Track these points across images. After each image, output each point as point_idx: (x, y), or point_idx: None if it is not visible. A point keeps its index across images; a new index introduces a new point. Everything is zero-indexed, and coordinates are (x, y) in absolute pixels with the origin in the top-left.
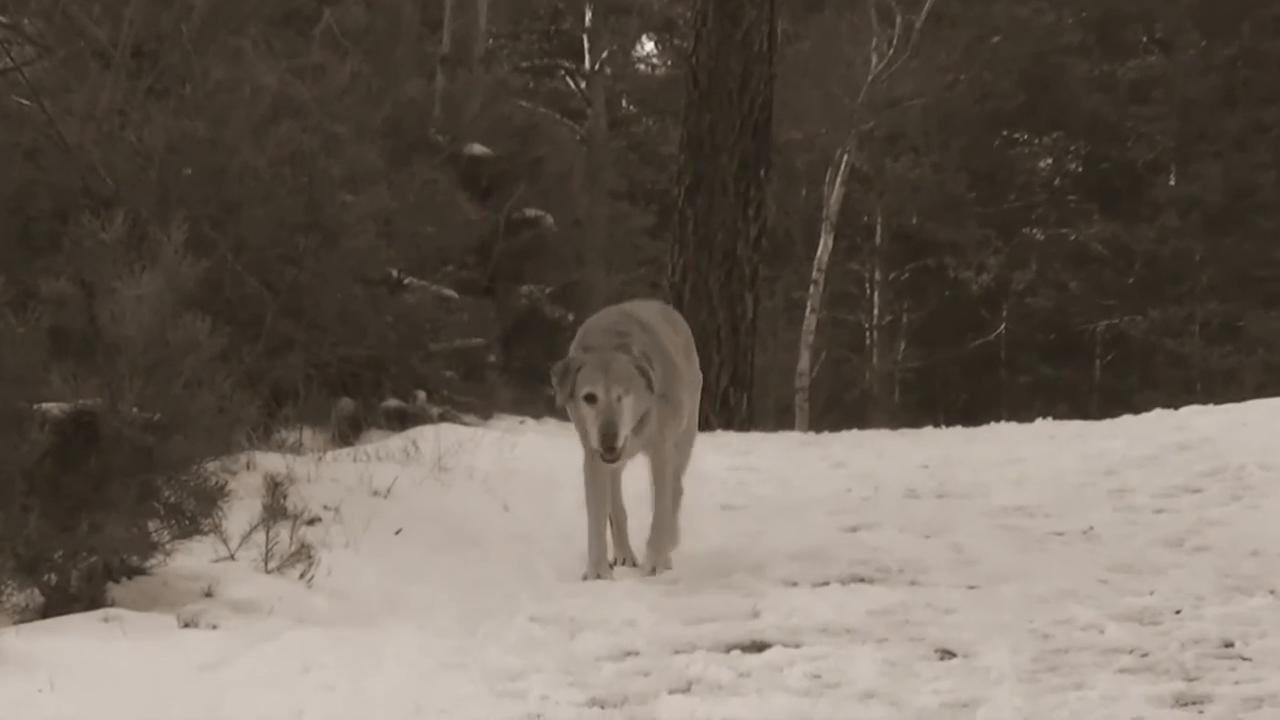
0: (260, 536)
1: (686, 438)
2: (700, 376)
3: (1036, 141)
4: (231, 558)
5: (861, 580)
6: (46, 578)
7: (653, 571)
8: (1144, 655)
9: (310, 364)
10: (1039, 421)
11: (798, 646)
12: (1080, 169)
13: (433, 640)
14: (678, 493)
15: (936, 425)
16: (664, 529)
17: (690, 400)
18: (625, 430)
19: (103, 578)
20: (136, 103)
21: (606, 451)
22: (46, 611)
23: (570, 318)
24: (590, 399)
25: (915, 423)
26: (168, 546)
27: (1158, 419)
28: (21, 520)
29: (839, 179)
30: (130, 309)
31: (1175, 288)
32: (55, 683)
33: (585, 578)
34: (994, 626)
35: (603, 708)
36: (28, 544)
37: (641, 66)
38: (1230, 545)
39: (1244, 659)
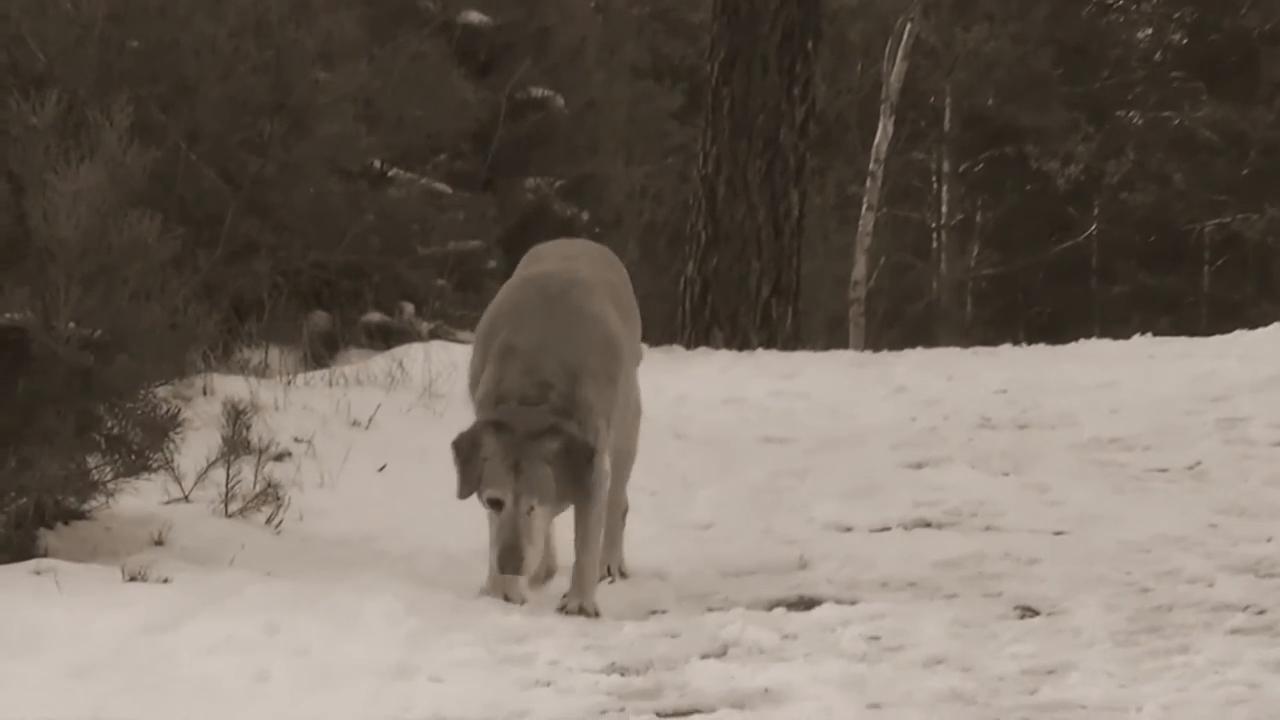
0: (219, 474)
1: (630, 424)
2: (641, 350)
3: (1134, 8)
4: (186, 499)
5: (927, 525)
6: None
7: (579, 611)
8: (1260, 613)
9: (278, 271)
10: (1137, 338)
11: (852, 603)
12: (1185, 41)
13: (422, 595)
14: (617, 508)
15: (1016, 343)
16: (588, 564)
17: (628, 379)
18: (534, 551)
19: (34, 523)
20: None
21: (503, 572)
22: None
23: (584, 216)
24: (494, 504)
25: (991, 340)
26: (110, 486)
27: (1277, 335)
28: None
29: (901, 53)
30: (66, 207)
31: None
32: None
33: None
34: (1084, 580)
35: (623, 674)
36: None
37: None
38: None
39: None
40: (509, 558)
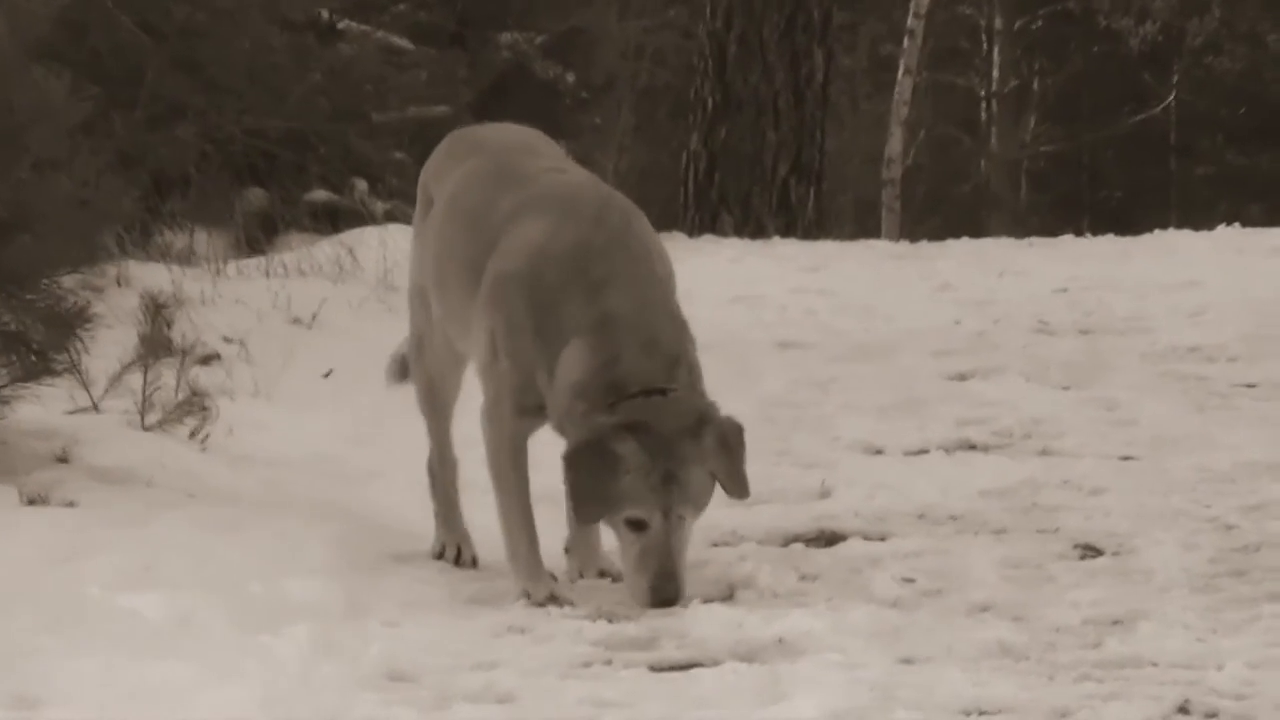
0: (135, 380)
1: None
2: None
3: None
4: (95, 409)
5: (973, 448)
6: None
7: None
8: None
9: (207, 140)
10: (1222, 229)
11: (883, 539)
12: None
13: (375, 525)
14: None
15: (1079, 233)
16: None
17: None
18: (686, 576)
19: None
20: None
21: (658, 607)
22: None
23: (570, 78)
24: (636, 525)
25: (1050, 229)
26: (6, 393)
27: None
28: None
29: None
30: None
31: None
32: None
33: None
34: (1158, 514)
35: (611, 620)
36: None
37: None
38: None
39: None
40: (666, 588)
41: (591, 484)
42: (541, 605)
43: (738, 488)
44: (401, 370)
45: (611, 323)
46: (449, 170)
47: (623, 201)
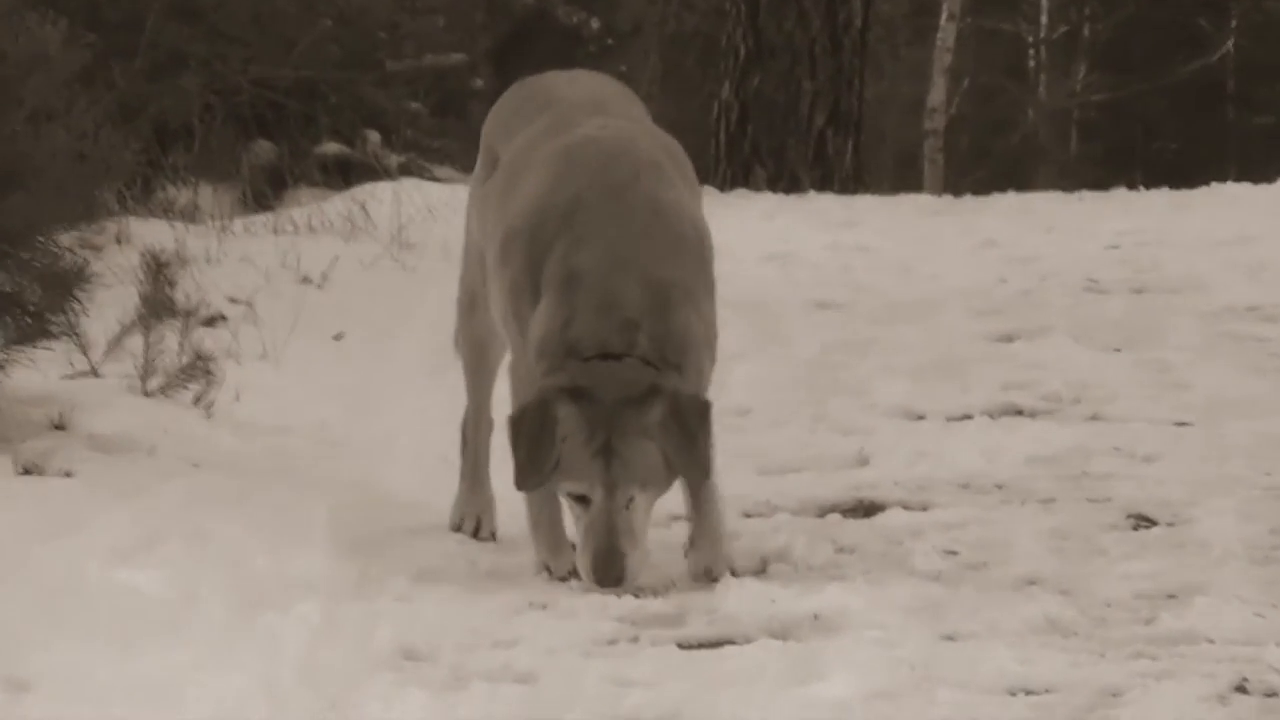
0: (136, 343)
1: None
2: None
3: None
4: (94, 373)
5: (1019, 413)
6: None
7: (707, 575)
8: None
9: (211, 90)
10: None
11: (924, 509)
12: None
13: (386, 496)
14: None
15: (1132, 187)
16: (711, 515)
17: None
18: (639, 553)
19: None
20: None
21: (601, 586)
22: None
23: (593, 24)
24: (578, 500)
25: (1100, 183)
26: (0, 356)
27: None
28: None
29: None
30: None
31: None
32: None
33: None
34: (1214, 482)
35: (637, 595)
36: None
37: None
38: None
39: None
40: (606, 566)
41: (530, 451)
42: (563, 579)
43: (690, 469)
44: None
45: (575, 280)
46: (516, 128)
47: (648, 155)
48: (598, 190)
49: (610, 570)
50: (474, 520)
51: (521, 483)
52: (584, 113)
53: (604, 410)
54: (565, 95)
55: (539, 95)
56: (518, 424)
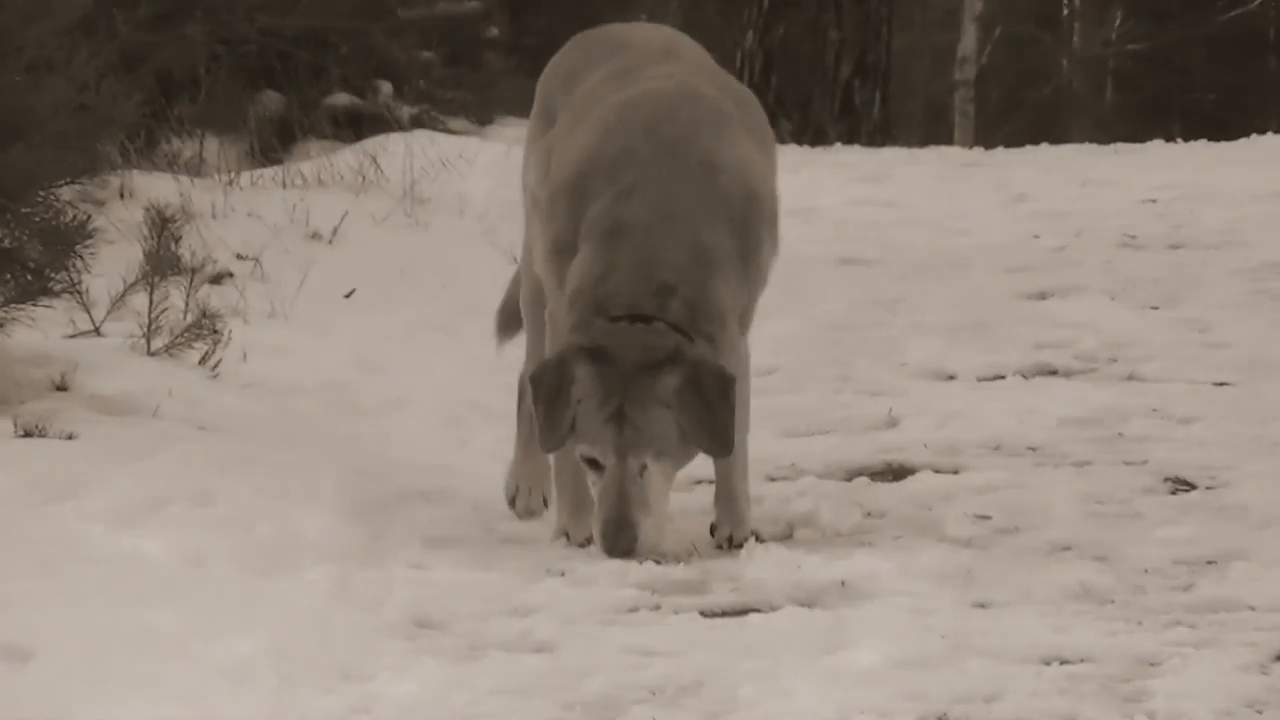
0: (140, 301)
1: None
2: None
3: None
4: (97, 332)
5: (1053, 373)
6: None
7: (730, 542)
8: None
9: (217, 39)
10: None
11: (955, 473)
12: None
13: (398, 459)
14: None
15: (1169, 139)
16: (737, 485)
17: (772, 252)
18: (653, 523)
19: None
20: None
21: (610, 555)
22: None
23: None
24: (591, 464)
25: (1137, 135)
26: (0, 315)
27: None
28: None
29: None
30: None
31: None
32: None
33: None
34: (1254, 444)
35: (658, 562)
36: None
37: None
38: None
39: None
40: (615, 535)
41: (548, 410)
42: (582, 546)
43: (709, 442)
44: (508, 323)
45: (616, 234)
46: (580, 78)
47: (713, 108)
48: (651, 144)
49: (619, 540)
50: (529, 492)
51: (542, 442)
52: (653, 60)
53: (621, 374)
54: (633, 42)
55: (605, 43)
56: (537, 382)
